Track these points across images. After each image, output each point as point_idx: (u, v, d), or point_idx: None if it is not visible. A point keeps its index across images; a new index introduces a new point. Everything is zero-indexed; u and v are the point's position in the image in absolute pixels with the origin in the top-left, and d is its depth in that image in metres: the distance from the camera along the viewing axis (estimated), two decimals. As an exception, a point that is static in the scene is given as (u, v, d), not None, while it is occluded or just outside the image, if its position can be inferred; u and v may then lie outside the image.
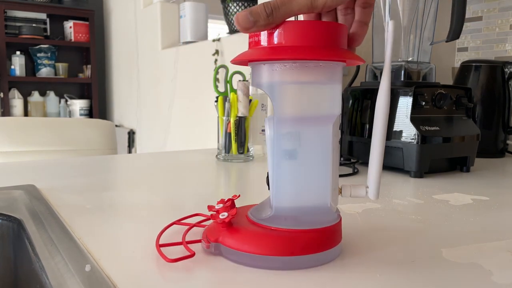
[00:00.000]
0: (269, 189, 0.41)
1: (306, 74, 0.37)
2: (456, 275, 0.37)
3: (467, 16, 0.87)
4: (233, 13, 1.69)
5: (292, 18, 0.37)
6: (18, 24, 3.13)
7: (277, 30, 0.36)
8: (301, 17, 0.38)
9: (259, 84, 0.39)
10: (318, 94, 0.39)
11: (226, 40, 1.76)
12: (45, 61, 3.28)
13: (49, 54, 3.29)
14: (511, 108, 1.11)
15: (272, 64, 0.38)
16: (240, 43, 1.65)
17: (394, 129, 0.84)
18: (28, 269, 0.46)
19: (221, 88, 0.99)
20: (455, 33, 0.87)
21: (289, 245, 0.37)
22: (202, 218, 0.49)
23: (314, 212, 0.40)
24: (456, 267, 0.39)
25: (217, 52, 1.79)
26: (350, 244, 0.44)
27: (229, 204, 0.42)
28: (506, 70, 1.09)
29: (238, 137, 0.96)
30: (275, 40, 0.36)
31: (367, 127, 0.91)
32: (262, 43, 0.37)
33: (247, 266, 0.38)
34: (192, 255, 0.38)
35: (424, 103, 0.82)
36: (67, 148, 1.31)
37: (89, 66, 3.40)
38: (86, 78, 3.43)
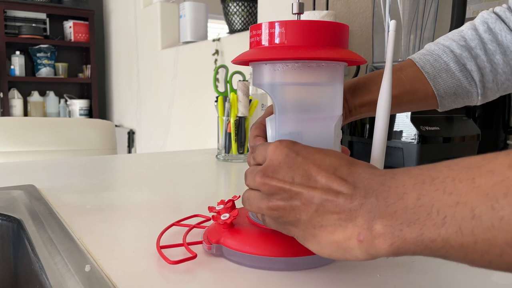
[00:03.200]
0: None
1: (308, 74, 0.37)
2: (456, 275, 0.37)
3: (467, 16, 0.87)
4: (233, 13, 1.69)
5: (295, 18, 0.37)
6: (18, 24, 3.13)
7: (279, 29, 0.36)
8: (302, 17, 0.38)
9: (260, 84, 0.39)
10: (320, 94, 0.39)
11: (226, 40, 1.76)
12: (45, 61, 3.28)
13: (48, 54, 3.29)
14: (511, 108, 1.11)
15: (274, 64, 0.37)
16: (240, 43, 1.65)
17: (394, 129, 0.84)
18: (28, 269, 0.45)
19: (221, 88, 0.99)
20: (455, 33, 0.87)
21: (291, 246, 0.37)
22: (201, 219, 0.49)
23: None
24: (456, 267, 0.39)
25: (217, 52, 1.79)
26: (351, 244, 0.43)
27: (230, 205, 0.42)
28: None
29: (238, 137, 0.96)
30: (277, 40, 0.36)
31: (368, 127, 0.91)
32: (263, 43, 0.37)
33: (249, 267, 0.38)
34: (194, 256, 0.38)
35: (424, 103, 0.82)
36: (67, 148, 1.31)
37: (89, 66, 3.40)
38: (86, 78, 3.43)
